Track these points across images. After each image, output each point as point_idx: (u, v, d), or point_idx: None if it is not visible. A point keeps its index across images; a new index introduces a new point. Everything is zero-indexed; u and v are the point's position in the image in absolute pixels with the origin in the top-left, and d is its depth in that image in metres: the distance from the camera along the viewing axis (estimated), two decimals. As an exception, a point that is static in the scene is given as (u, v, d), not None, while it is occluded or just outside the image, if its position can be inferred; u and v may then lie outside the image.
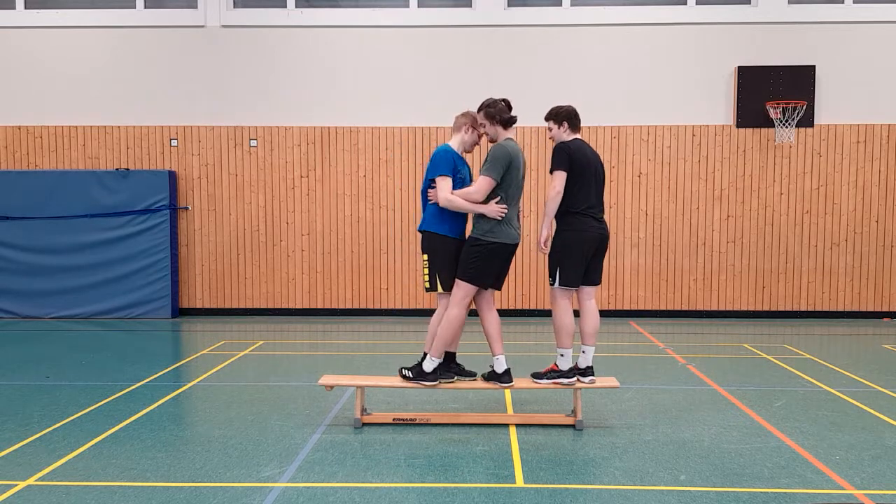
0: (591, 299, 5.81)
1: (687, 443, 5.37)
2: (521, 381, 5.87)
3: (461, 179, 5.65)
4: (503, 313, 6.01)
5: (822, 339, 10.35)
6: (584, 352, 5.80)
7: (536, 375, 5.80)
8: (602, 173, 5.81)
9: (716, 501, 4.33)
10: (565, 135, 5.74)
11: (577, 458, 5.10)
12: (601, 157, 5.95)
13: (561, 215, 5.65)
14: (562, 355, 5.70)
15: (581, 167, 5.59)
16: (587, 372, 5.78)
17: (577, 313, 5.64)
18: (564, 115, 5.75)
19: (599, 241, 5.69)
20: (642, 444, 5.36)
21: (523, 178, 5.72)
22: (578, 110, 5.79)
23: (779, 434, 5.58)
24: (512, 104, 5.68)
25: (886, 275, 11.60)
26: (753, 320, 11.49)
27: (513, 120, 5.66)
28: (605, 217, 5.80)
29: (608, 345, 9.72)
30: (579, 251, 5.61)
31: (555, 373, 5.73)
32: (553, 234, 5.73)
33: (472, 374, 5.87)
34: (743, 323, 11.29)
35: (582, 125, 5.82)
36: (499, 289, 5.81)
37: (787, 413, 6.16)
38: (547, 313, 5.92)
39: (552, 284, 5.68)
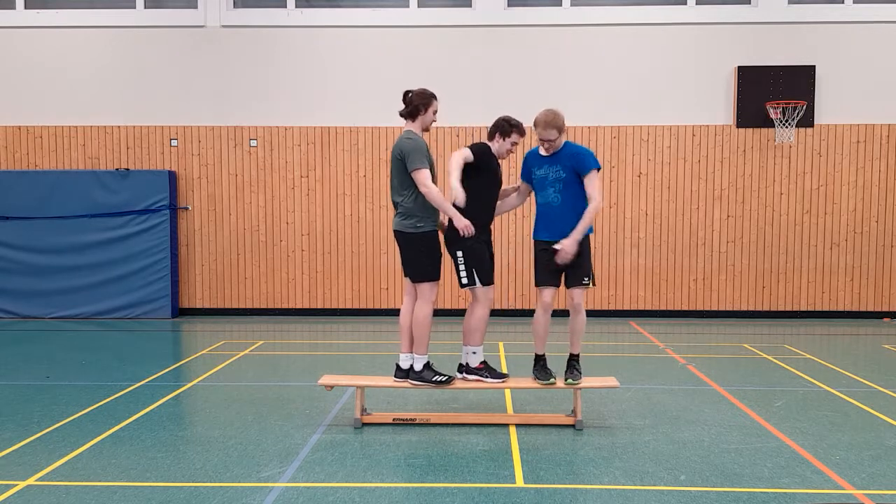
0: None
1: (687, 443, 5.37)
2: (522, 381, 5.88)
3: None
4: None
5: (822, 339, 10.34)
6: (473, 353, 5.78)
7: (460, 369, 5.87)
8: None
9: (716, 501, 4.33)
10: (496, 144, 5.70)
11: (577, 458, 5.09)
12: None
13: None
14: (474, 353, 5.77)
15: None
16: (459, 369, 5.82)
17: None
18: (492, 129, 5.70)
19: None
20: (642, 444, 5.35)
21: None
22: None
23: (779, 434, 5.57)
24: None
25: (886, 275, 11.60)
26: (753, 320, 11.49)
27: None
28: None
29: (608, 345, 9.73)
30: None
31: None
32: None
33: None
34: (743, 323, 11.29)
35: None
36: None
37: (787, 413, 6.15)
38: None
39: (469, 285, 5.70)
